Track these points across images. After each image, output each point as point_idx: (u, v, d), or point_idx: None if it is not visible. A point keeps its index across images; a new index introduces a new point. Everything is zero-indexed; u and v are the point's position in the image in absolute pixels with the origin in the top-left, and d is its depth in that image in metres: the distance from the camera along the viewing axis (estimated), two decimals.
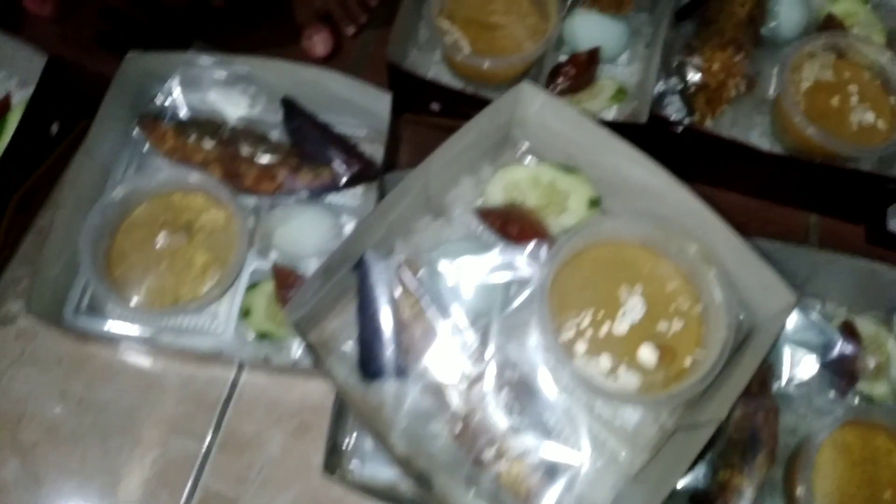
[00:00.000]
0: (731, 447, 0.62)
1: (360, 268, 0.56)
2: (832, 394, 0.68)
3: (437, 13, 0.75)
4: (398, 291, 0.55)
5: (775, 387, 0.68)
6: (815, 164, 0.72)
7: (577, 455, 0.51)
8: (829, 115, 0.73)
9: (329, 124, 0.72)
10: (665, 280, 0.56)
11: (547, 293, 0.54)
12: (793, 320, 0.68)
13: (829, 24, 0.81)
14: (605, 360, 0.52)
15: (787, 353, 0.68)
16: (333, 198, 0.71)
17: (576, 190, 0.61)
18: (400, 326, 0.53)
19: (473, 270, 0.57)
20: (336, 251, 0.54)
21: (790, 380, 0.68)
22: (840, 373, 0.67)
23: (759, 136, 0.78)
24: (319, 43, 0.82)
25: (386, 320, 0.54)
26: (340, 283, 0.57)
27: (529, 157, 0.65)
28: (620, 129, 0.74)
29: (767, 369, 0.66)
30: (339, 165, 0.69)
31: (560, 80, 0.77)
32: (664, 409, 0.54)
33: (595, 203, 0.61)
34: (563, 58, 0.79)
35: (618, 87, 0.78)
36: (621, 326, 0.53)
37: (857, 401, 0.69)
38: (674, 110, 0.76)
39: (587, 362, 0.52)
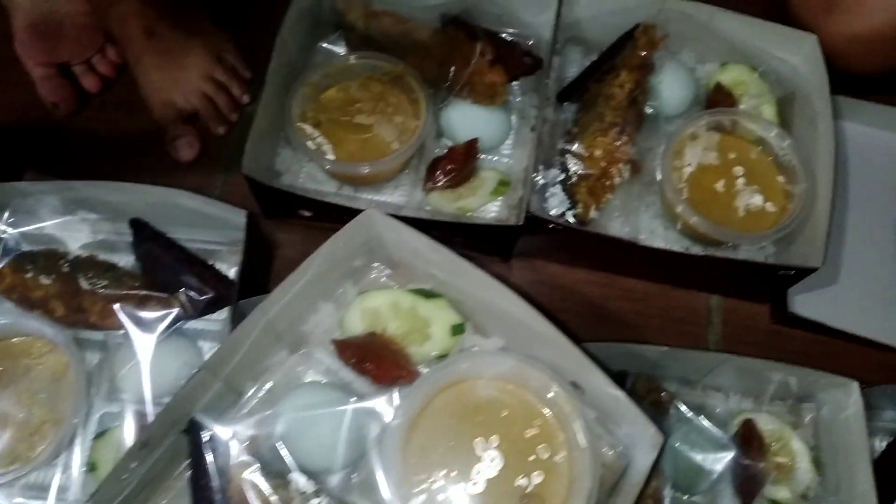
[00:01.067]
0: None
1: (191, 433, 0.50)
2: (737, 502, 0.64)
3: (298, 118, 0.70)
4: (231, 460, 0.49)
5: (683, 499, 0.64)
6: (699, 256, 0.68)
7: None
8: (715, 200, 0.70)
9: (183, 242, 0.67)
10: (526, 423, 0.51)
11: (396, 450, 0.48)
12: (689, 427, 0.64)
13: (718, 95, 0.78)
14: None
15: (686, 461, 0.63)
16: (192, 322, 0.65)
17: (438, 316, 0.56)
18: (234, 502, 0.48)
19: (326, 422, 0.51)
20: (157, 419, 0.49)
21: (692, 491, 0.64)
22: (739, 483, 0.63)
23: (650, 219, 0.75)
24: (185, 147, 0.77)
25: (220, 494, 0.48)
26: (174, 446, 0.51)
27: (391, 281, 0.61)
28: (498, 230, 0.71)
29: (659, 488, 0.61)
30: (192, 292, 0.63)
31: (439, 174, 0.72)
32: None
33: (458, 329, 0.57)
34: (445, 147, 0.75)
35: (499, 179, 0.74)
36: (477, 486, 0.48)
37: None
38: (557, 202, 0.72)
39: None
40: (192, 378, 0.50)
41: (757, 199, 0.70)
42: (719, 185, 0.70)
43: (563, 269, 0.77)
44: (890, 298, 0.77)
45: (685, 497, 0.64)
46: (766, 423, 0.66)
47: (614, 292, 0.77)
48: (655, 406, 0.63)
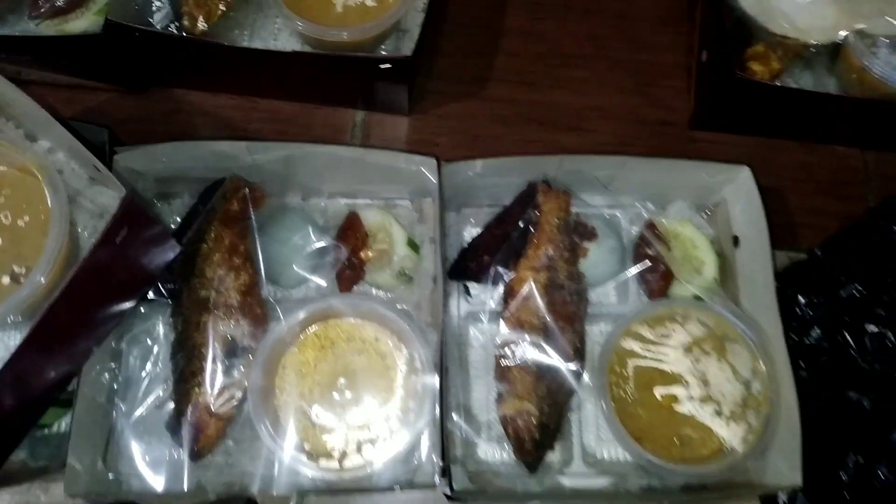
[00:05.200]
0: None
1: None
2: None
3: None
4: None
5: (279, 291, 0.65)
6: (306, 55, 0.67)
7: None
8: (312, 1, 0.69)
9: None
10: None
11: None
12: (280, 223, 0.65)
13: None
14: None
15: (275, 254, 0.64)
16: None
17: None
18: None
19: None
20: None
21: (281, 282, 0.65)
22: (338, 271, 0.64)
23: (287, 37, 0.74)
24: None
25: None
26: None
27: None
28: (82, 42, 0.68)
29: (250, 282, 0.61)
30: None
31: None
32: None
33: None
34: None
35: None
36: None
37: (373, 291, 0.66)
38: (162, 16, 0.70)
39: None
40: None
41: None
42: None
43: (206, 95, 0.76)
44: None
45: (282, 290, 0.65)
46: (373, 217, 0.67)
47: (257, 115, 0.76)
48: (243, 203, 0.64)
